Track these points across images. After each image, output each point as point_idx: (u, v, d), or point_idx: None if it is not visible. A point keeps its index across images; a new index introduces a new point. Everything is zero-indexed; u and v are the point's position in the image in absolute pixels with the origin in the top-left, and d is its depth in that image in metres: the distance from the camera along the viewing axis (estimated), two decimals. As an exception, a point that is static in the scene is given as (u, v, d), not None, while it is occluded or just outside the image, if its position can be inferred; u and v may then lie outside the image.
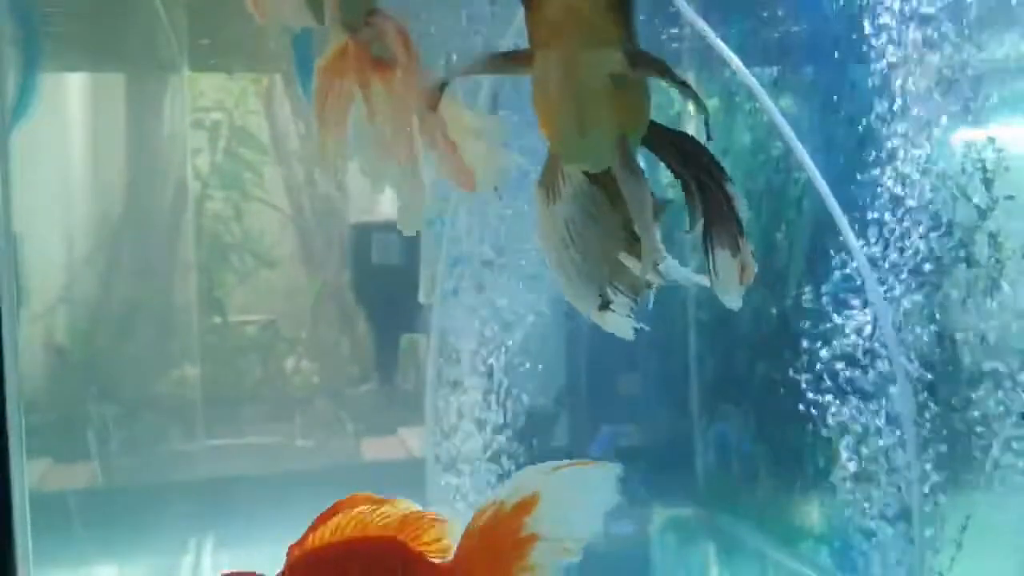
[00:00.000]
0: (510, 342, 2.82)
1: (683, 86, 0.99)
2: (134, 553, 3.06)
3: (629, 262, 1.05)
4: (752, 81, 2.08)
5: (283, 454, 3.78)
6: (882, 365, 2.48)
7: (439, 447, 2.64)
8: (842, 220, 2.05)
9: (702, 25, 2.15)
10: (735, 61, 2.08)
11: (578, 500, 1.02)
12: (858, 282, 2.49)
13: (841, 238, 2.43)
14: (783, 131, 2.06)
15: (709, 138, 1.01)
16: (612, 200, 1.03)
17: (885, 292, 2.46)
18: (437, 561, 1.02)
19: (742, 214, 1.00)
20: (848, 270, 2.55)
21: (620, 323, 1.07)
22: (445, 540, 1.02)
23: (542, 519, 1.01)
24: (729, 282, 1.01)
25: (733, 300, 1.00)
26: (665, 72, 0.98)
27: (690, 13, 2.20)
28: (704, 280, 1.02)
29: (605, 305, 1.05)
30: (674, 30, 3.20)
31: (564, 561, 1.00)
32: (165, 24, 3.74)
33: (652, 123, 1.05)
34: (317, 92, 1.10)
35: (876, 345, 2.50)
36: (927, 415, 2.45)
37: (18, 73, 3.15)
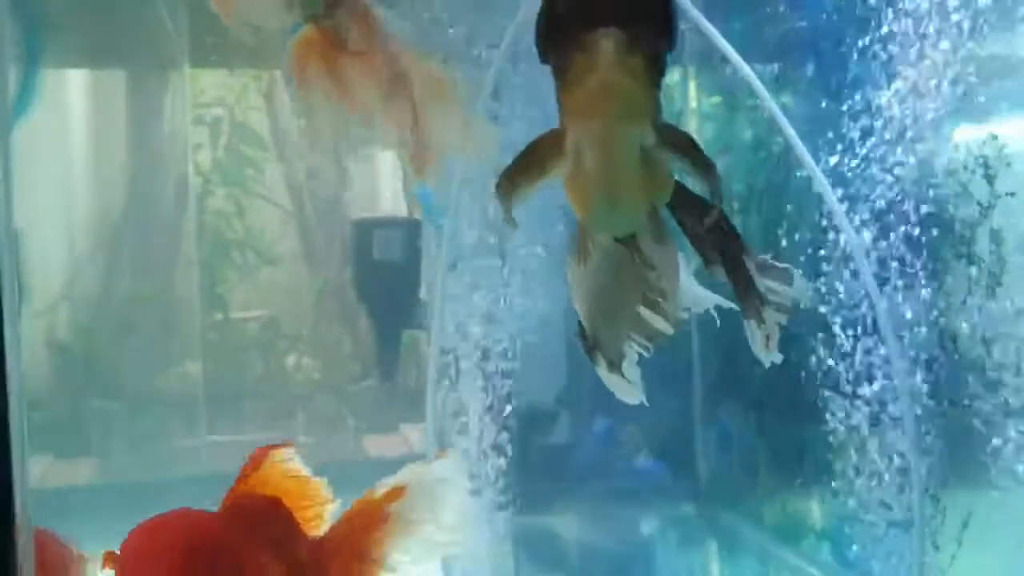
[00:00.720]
0: (512, 338, 2.82)
1: (707, 167, 1.03)
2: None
3: (650, 316, 1.10)
4: (753, 78, 2.08)
5: (284, 450, 3.77)
6: (883, 362, 2.48)
7: (440, 443, 2.64)
8: (842, 218, 2.05)
9: (703, 21, 2.15)
10: (736, 58, 2.07)
11: (437, 490, 1.13)
12: (858, 279, 2.49)
13: (843, 235, 2.43)
14: (784, 129, 2.06)
15: (716, 204, 1.05)
16: (636, 259, 1.07)
17: (886, 289, 2.46)
18: (311, 534, 1.13)
19: (762, 287, 1.08)
20: (848, 267, 2.55)
21: (625, 387, 1.13)
22: (322, 518, 1.13)
23: (406, 507, 1.13)
24: (757, 348, 1.11)
25: (766, 360, 1.10)
26: (691, 150, 1.03)
27: (692, 10, 2.19)
28: (732, 304, 1.10)
29: (613, 365, 1.11)
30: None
31: (430, 548, 1.13)
32: (166, 21, 3.74)
33: (681, 199, 1.11)
34: (294, 79, 1.13)
35: (877, 342, 2.50)
36: (928, 412, 2.45)
37: (19, 70, 3.15)
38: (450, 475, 1.17)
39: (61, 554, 1.30)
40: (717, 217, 1.06)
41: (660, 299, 1.08)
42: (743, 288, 1.10)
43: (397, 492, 1.14)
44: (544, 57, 1.01)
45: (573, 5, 0.95)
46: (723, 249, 1.11)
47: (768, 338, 1.10)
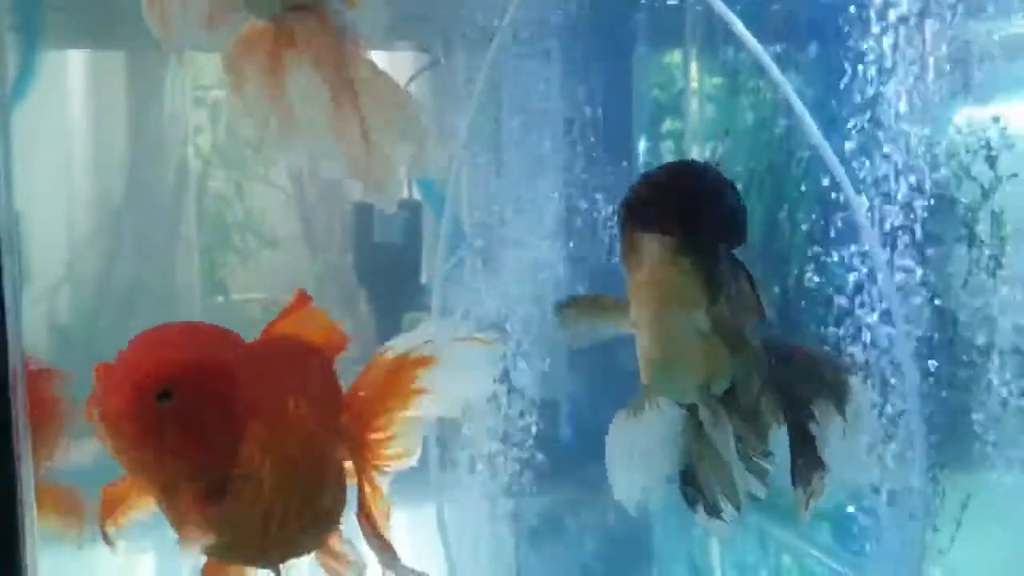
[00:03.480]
0: (511, 321, 2.82)
1: (756, 364, 1.13)
2: (140, 532, 3.07)
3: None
4: (765, 57, 2.06)
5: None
6: (884, 343, 2.48)
7: (440, 427, 2.65)
8: (851, 193, 2.04)
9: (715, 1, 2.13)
10: (747, 36, 2.05)
11: (468, 369, 1.17)
12: (861, 260, 2.49)
13: (848, 213, 2.42)
14: (795, 106, 2.05)
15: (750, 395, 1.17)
16: (692, 426, 1.18)
17: (888, 270, 2.45)
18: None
19: (825, 457, 1.17)
20: (852, 248, 2.55)
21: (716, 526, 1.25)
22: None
23: (434, 377, 1.15)
24: (800, 504, 1.20)
25: (804, 519, 1.21)
26: (743, 347, 1.13)
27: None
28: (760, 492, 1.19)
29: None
30: (673, 1, 3.19)
31: (445, 415, 1.18)
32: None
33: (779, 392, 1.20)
34: (230, 68, 1.11)
35: (878, 323, 2.50)
36: (928, 393, 2.45)
37: (18, 52, 3.14)
38: (483, 363, 1.19)
39: (49, 394, 1.31)
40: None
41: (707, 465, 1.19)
42: (806, 454, 1.20)
43: (426, 362, 1.16)
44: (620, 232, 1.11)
45: (631, 204, 1.06)
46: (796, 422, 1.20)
47: (811, 495, 1.20)
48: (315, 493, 1.11)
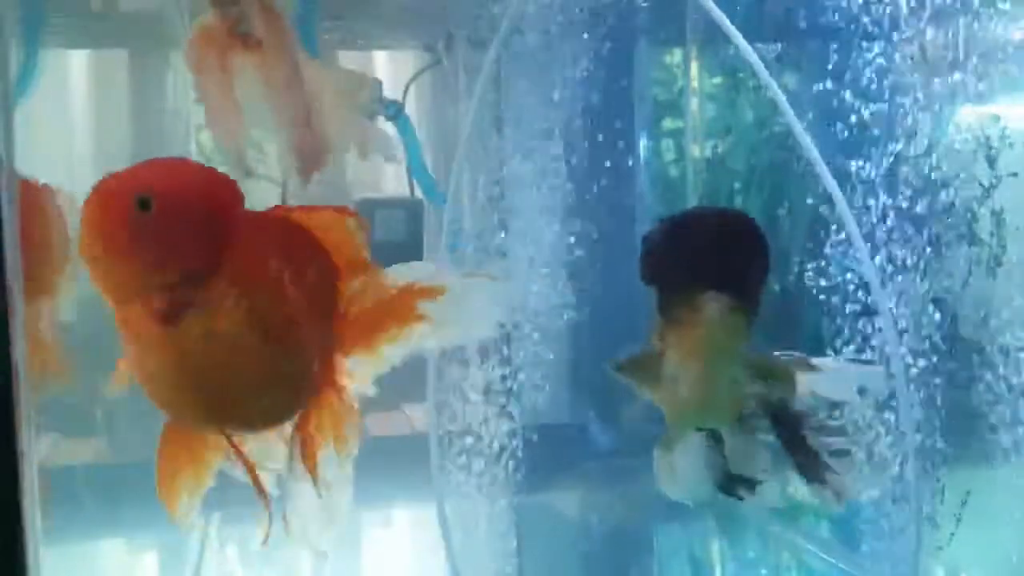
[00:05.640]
0: (515, 318, 2.83)
1: (787, 378, 1.18)
2: (142, 527, 3.08)
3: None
4: (755, 59, 2.07)
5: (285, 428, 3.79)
6: (882, 340, 2.49)
7: (442, 422, 2.66)
8: (842, 203, 2.05)
9: (707, 1, 2.14)
10: (738, 38, 2.06)
11: (474, 305, 1.15)
12: (857, 257, 2.49)
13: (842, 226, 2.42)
14: (783, 110, 2.06)
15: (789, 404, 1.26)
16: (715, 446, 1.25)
17: (886, 268, 2.46)
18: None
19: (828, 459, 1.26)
20: (849, 248, 2.56)
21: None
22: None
23: (439, 309, 1.14)
24: (829, 502, 1.30)
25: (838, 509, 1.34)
26: (772, 372, 1.18)
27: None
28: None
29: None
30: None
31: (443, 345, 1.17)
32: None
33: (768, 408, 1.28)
34: (191, 65, 1.13)
35: (876, 320, 2.51)
36: (927, 390, 2.46)
37: (20, 50, 3.14)
38: (490, 301, 1.17)
39: (38, 195, 1.32)
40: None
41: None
42: (805, 465, 1.30)
43: (434, 292, 1.15)
44: (648, 282, 1.15)
45: (686, 261, 1.09)
46: (783, 435, 1.28)
47: (839, 493, 1.31)
48: (268, 362, 1.08)
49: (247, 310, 1.04)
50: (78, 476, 3.06)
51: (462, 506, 2.75)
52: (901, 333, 2.42)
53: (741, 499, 1.30)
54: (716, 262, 1.08)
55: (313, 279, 1.12)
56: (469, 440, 2.80)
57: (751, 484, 1.27)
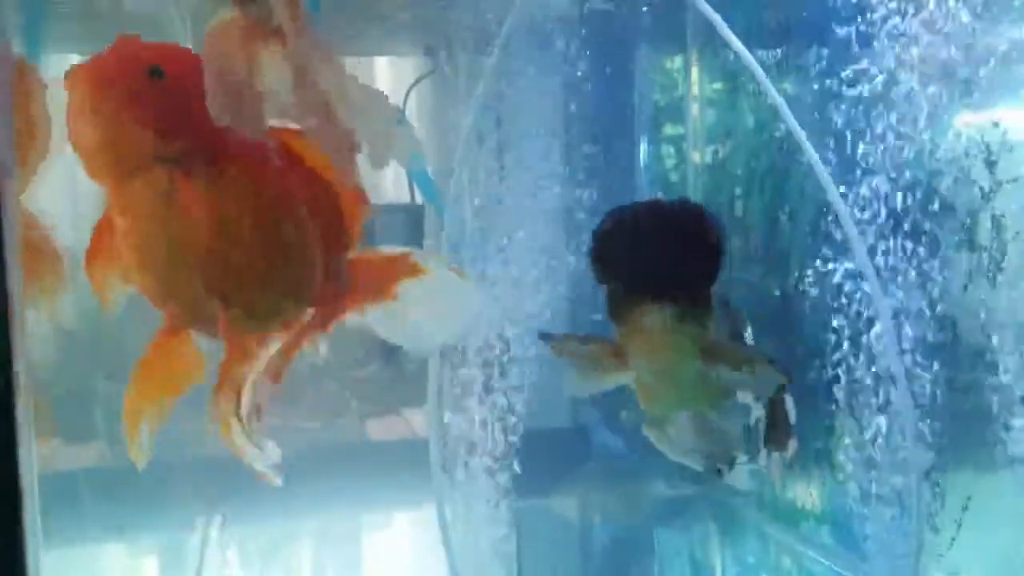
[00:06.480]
0: (514, 321, 2.83)
1: (752, 363, 1.20)
2: (142, 531, 3.09)
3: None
4: (754, 65, 2.08)
5: (288, 434, 3.80)
6: (883, 345, 2.49)
7: (442, 427, 2.66)
8: (841, 207, 2.06)
9: (705, 7, 2.14)
10: (736, 43, 2.07)
11: (452, 297, 1.17)
12: (857, 262, 2.49)
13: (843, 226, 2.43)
14: (784, 116, 2.06)
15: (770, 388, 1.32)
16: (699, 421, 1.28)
17: (886, 273, 2.46)
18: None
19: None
20: (849, 253, 2.56)
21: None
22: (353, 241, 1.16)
23: (416, 289, 1.17)
24: (772, 472, 1.38)
25: (778, 483, 1.34)
26: (740, 364, 1.19)
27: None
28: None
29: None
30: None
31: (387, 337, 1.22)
32: (170, 5, 3.72)
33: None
34: (207, 59, 1.12)
35: (877, 324, 2.51)
36: (928, 396, 2.46)
37: (21, 50, 3.14)
38: (467, 297, 1.18)
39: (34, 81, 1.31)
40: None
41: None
42: (778, 425, 1.37)
43: (418, 271, 1.15)
44: (600, 280, 1.15)
45: (626, 270, 1.06)
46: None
47: (779, 466, 1.29)
48: (269, 247, 1.07)
49: (251, 193, 1.04)
50: (79, 479, 3.07)
51: (462, 508, 2.75)
52: (900, 337, 2.42)
53: (720, 475, 1.30)
54: (656, 271, 1.04)
55: (319, 194, 1.12)
56: (469, 442, 2.80)
57: (731, 461, 1.29)
